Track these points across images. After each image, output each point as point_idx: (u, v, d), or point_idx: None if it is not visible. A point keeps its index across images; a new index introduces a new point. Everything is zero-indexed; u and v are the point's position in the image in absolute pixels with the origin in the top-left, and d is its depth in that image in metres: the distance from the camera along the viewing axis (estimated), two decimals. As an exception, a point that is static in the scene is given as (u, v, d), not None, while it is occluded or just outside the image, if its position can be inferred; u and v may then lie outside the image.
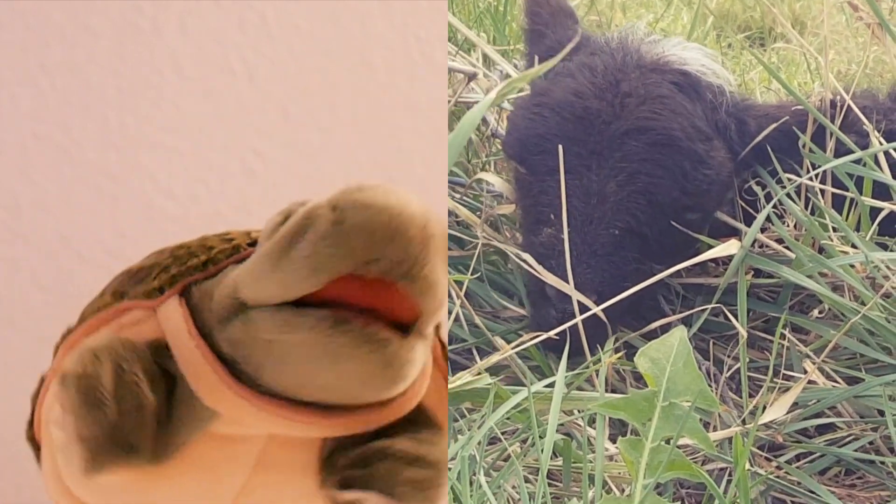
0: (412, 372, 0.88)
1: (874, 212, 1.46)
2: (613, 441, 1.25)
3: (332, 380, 0.85)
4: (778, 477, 1.32)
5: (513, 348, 1.40)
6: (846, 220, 1.47)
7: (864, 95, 1.58)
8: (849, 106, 1.48)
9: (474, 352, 1.51)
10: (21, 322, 1.39)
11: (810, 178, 1.48)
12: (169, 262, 0.97)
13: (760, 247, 1.51)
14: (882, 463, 1.35)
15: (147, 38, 1.32)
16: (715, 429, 1.36)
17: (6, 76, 1.31)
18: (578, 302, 1.37)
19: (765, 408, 1.33)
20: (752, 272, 1.51)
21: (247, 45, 1.34)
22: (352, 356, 0.84)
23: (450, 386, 1.28)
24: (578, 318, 1.37)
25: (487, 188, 1.70)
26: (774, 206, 1.46)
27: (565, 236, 1.39)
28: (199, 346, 0.86)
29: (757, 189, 1.52)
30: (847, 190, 1.46)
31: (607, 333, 1.42)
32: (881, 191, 1.47)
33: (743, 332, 1.39)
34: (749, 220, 1.49)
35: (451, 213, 1.62)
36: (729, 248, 1.43)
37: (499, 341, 1.47)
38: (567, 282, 1.38)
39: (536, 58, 1.65)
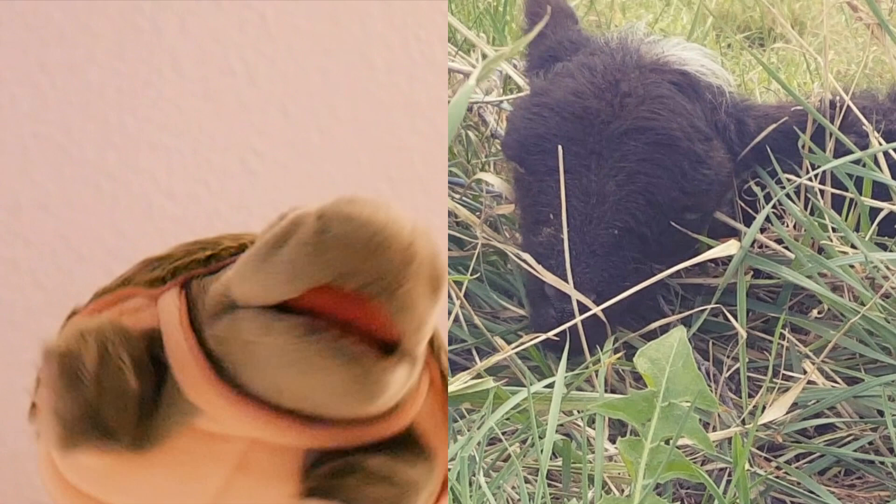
0: (389, 391, 0.86)
1: (874, 212, 1.46)
2: (613, 441, 1.25)
3: (305, 388, 0.85)
4: (777, 477, 1.32)
5: (513, 349, 1.40)
6: (846, 220, 1.47)
7: (863, 96, 1.58)
8: (848, 106, 1.48)
9: (474, 352, 1.51)
10: (21, 322, 1.39)
11: (810, 179, 1.48)
12: (180, 254, 0.98)
13: (760, 247, 1.51)
14: (881, 463, 1.35)
15: (147, 38, 1.32)
16: (714, 429, 1.36)
17: (6, 76, 1.31)
18: (578, 302, 1.37)
19: (764, 408, 1.33)
20: (752, 272, 1.51)
21: (247, 45, 1.34)
22: (322, 367, 0.84)
23: (450, 388, 1.28)
24: (578, 319, 1.37)
25: (487, 188, 1.70)
26: (774, 207, 1.47)
27: (565, 236, 1.39)
28: (187, 339, 0.86)
29: (756, 189, 1.52)
30: (846, 190, 1.46)
31: (607, 333, 1.42)
32: (880, 191, 1.47)
33: (742, 333, 1.39)
34: (748, 221, 1.49)
35: (450, 214, 1.62)
36: (728, 248, 1.43)
37: (498, 342, 1.47)
38: (566, 282, 1.38)
39: (536, 58, 1.65)
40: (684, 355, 1.12)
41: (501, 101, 1.80)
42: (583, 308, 1.37)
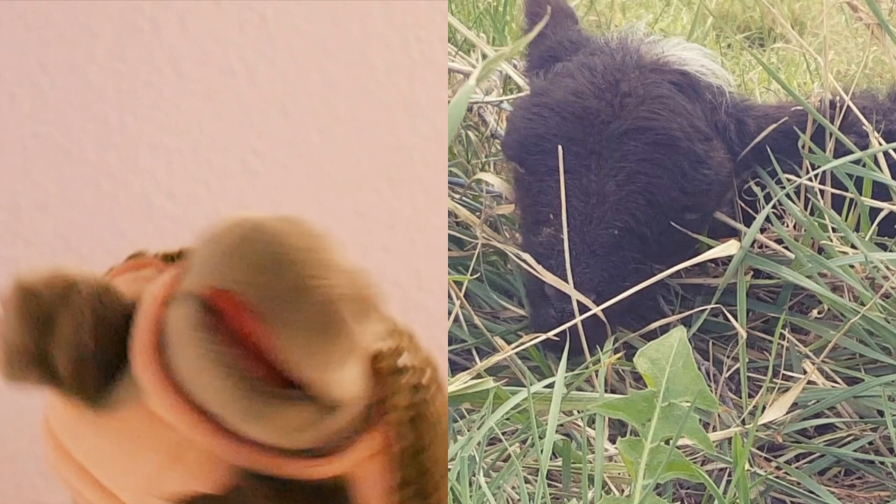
0: (280, 422, 0.83)
1: (873, 212, 1.46)
2: (613, 441, 1.25)
3: (196, 385, 0.84)
4: (777, 477, 1.32)
5: (513, 349, 1.40)
6: (846, 220, 1.48)
7: (863, 96, 1.58)
8: (848, 106, 1.48)
9: (474, 352, 1.51)
10: (21, 322, 1.38)
11: (810, 179, 1.48)
12: None
13: (760, 247, 1.51)
14: (881, 463, 1.35)
15: (147, 38, 1.32)
16: (714, 429, 1.36)
17: (6, 76, 1.31)
18: (578, 302, 1.37)
19: (764, 408, 1.33)
20: (752, 272, 1.51)
21: (247, 45, 1.34)
22: (204, 367, 0.83)
23: (450, 388, 1.28)
24: (578, 319, 1.37)
25: (487, 188, 1.70)
26: (774, 207, 1.47)
27: (565, 236, 1.39)
28: (149, 316, 0.86)
29: (756, 189, 1.52)
30: (846, 190, 1.47)
31: (607, 333, 1.42)
32: (880, 191, 1.47)
33: (742, 333, 1.39)
34: (748, 221, 1.49)
35: (450, 214, 1.62)
36: (728, 248, 1.43)
37: (498, 342, 1.47)
38: (567, 282, 1.38)
39: (536, 58, 1.65)
40: (684, 355, 1.12)
41: (501, 101, 1.81)
42: (583, 308, 1.37)
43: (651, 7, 2.86)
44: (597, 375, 1.33)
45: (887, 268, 1.39)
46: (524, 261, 1.43)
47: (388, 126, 1.37)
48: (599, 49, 1.55)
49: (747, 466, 1.21)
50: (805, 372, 1.38)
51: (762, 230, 1.47)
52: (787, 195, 1.47)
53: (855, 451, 1.36)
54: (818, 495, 1.29)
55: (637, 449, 1.09)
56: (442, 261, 1.38)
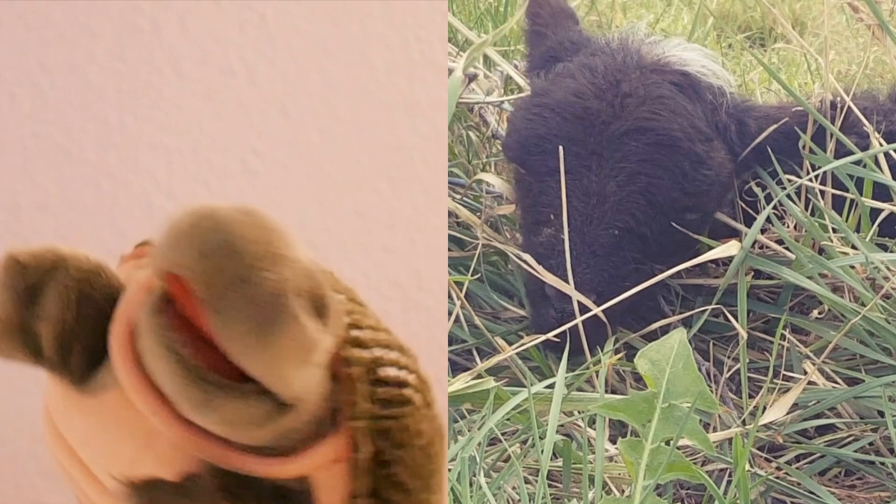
0: (220, 414, 0.82)
1: (874, 213, 1.46)
2: (613, 442, 1.25)
3: (156, 375, 0.84)
4: (778, 478, 1.32)
5: (513, 350, 1.40)
6: (846, 221, 1.48)
7: (864, 96, 1.58)
8: (849, 107, 1.48)
9: (474, 353, 1.51)
10: (21, 322, 1.38)
11: (810, 179, 1.48)
12: None
13: (760, 248, 1.51)
14: (882, 464, 1.35)
15: (147, 38, 1.32)
16: (715, 430, 1.36)
17: (6, 76, 1.31)
18: (578, 302, 1.37)
19: (765, 409, 1.33)
20: (752, 273, 1.51)
21: (247, 45, 1.34)
22: (156, 352, 0.83)
23: (451, 388, 1.28)
24: (579, 319, 1.37)
25: (487, 189, 1.70)
26: (774, 207, 1.47)
27: (565, 236, 1.39)
28: (129, 299, 0.85)
29: (757, 190, 1.52)
30: (847, 191, 1.46)
31: (607, 334, 1.42)
32: (881, 192, 1.47)
33: (743, 333, 1.39)
34: (749, 221, 1.49)
35: (451, 214, 1.62)
36: (729, 249, 1.43)
37: (499, 342, 1.47)
38: (567, 282, 1.38)
39: (537, 59, 1.65)
40: (685, 356, 1.12)
41: (502, 102, 1.81)
42: (583, 308, 1.37)
43: (652, 7, 2.86)
44: (597, 376, 1.33)
45: (888, 268, 1.39)
46: (524, 261, 1.43)
47: (388, 126, 1.37)
48: (600, 49, 1.55)
49: (748, 467, 1.21)
50: (805, 372, 1.38)
51: (763, 231, 1.47)
52: (788, 196, 1.47)
53: (855, 451, 1.36)
54: (818, 496, 1.29)
55: (637, 449, 1.09)
56: (442, 261, 1.37)
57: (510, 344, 1.45)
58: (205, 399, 0.81)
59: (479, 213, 1.65)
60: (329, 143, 1.36)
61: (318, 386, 0.85)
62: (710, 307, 1.46)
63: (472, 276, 1.54)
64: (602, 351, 1.38)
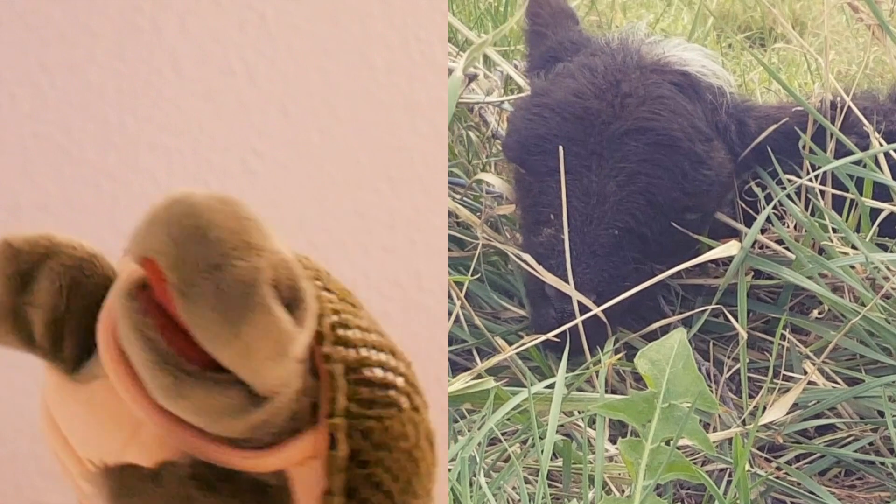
0: (190, 402, 0.82)
1: (874, 213, 1.46)
2: (613, 442, 1.25)
3: (133, 361, 0.83)
4: (778, 478, 1.32)
5: (513, 350, 1.40)
6: (846, 221, 1.48)
7: (864, 96, 1.59)
8: (849, 107, 1.48)
9: (474, 352, 1.51)
10: (21, 322, 1.38)
11: (810, 179, 1.48)
12: None
13: (760, 248, 1.51)
14: (882, 464, 1.35)
15: (147, 38, 1.32)
16: (715, 430, 1.36)
17: (6, 76, 1.31)
18: (578, 302, 1.37)
19: (765, 409, 1.33)
20: (752, 273, 1.51)
21: (247, 45, 1.34)
22: (129, 337, 0.82)
23: (451, 388, 1.28)
24: (579, 319, 1.37)
25: (487, 189, 1.70)
26: (774, 207, 1.47)
27: (565, 236, 1.39)
28: (115, 290, 0.85)
29: (757, 190, 1.52)
30: (847, 191, 1.46)
31: (607, 333, 1.42)
32: (881, 192, 1.47)
33: (743, 333, 1.39)
34: (749, 221, 1.49)
35: (451, 214, 1.62)
36: (729, 249, 1.43)
37: (499, 342, 1.47)
38: (567, 282, 1.38)
39: (537, 59, 1.65)
40: (685, 356, 1.12)
41: (502, 102, 1.81)
42: (583, 308, 1.37)
43: (652, 7, 2.86)
44: (597, 376, 1.33)
45: (888, 268, 1.39)
46: (524, 261, 1.43)
47: (388, 126, 1.37)
48: (600, 49, 1.55)
49: (748, 467, 1.21)
50: (805, 372, 1.38)
51: (763, 231, 1.47)
52: (788, 196, 1.47)
53: (855, 451, 1.36)
54: (818, 496, 1.29)
55: (637, 449, 1.09)
56: (442, 261, 1.37)
57: (510, 344, 1.45)
58: (175, 385, 0.81)
59: (479, 213, 1.65)
60: (329, 143, 1.36)
61: (295, 380, 0.85)
62: (710, 307, 1.46)
63: (472, 276, 1.54)
64: (602, 351, 1.38)
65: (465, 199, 1.71)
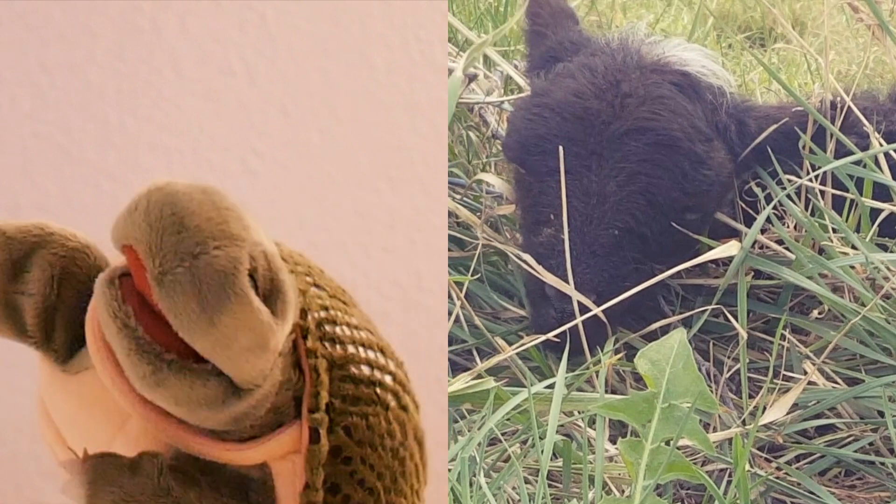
0: (187, 399, 0.82)
1: (874, 213, 1.46)
2: (613, 442, 1.25)
3: (112, 346, 0.83)
4: (778, 478, 1.32)
5: (514, 350, 1.40)
6: (846, 221, 1.48)
7: (864, 97, 1.58)
8: (849, 107, 1.48)
9: (474, 353, 1.51)
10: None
11: (810, 180, 1.48)
12: None
13: (760, 248, 1.51)
14: (882, 464, 1.35)
15: (147, 38, 1.32)
16: (715, 430, 1.36)
17: (6, 76, 1.31)
18: (578, 302, 1.37)
19: (765, 409, 1.33)
20: (753, 273, 1.51)
21: (247, 45, 1.34)
22: (108, 324, 0.82)
23: (451, 388, 1.28)
24: (579, 319, 1.37)
25: (487, 189, 1.70)
26: (774, 208, 1.47)
27: (565, 236, 1.39)
28: (102, 281, 0.85)
29: (757, 190, 1.52)
30: (847, 191, 1.46)
31: (607, 334, 1.42)
32: (881, 192, 1.47)
33: (743, 333, 1.39)
34: (749, 222, 1.49)
35: (451, 214, 1.62)
36: (729, 249, 1.43)
37: (499, 342, 1.47)
38: (567, 282, 1.38)
39: (537, 59, 1.65)
40: (685, 357, 1.12)
41: (503, 102, 1.81)
42: (583, 308, 1.37)
43: (652, 7, 2.86)
44: (597, 376, 1.33)
45: (888, 269, 1.39)
46: (524, 261, 1.43)
47: (388, 126, 1.37)
48: (600, 49, 1.55)
49: (748, 467, 1.21)
50: (805, 372, 1.38)
51: (763, 231, 1.47)
52: (788, 196, 1.47)
53: (855, 451, 1.36)
54: (818, 496, 1.29)
55: (637, 449, 1.09)
56: (442, 261, 1.37)
57: (510, 344, 1.45)
58: (153, 374, 0.81)
59: (479, 214, 1.65)
60: (329, 143, 1.36)
61: (275, 373, 0.84)
62: (710, 307, 1.46)
63: (472, 276, 1.54)
64: (602, 351, 1.38)
65: (465, 199, 1.71)
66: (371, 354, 0.94)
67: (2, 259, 0.88)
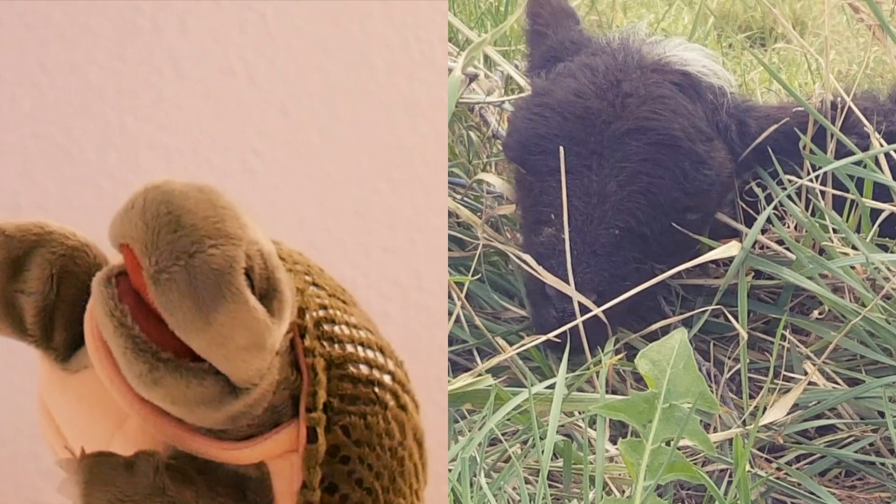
0: (184, 398, 0.82)
1: (874, 213, 1.46)
2: (614, 442, 1.25)
3: (109, 345, 0.83)
4: (778, 478, 1.32)
5: (514, 350, 1.40)
6: (847, 221, 1.47)
7: (864, 97, 1.58)
8: (849, 107, 1.48)
9: (475, 353, 1.50)
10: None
11: (811, 180, 1.48)
12: None
13: (761, 248, 1.51)
14: (882, 464, 1.35)
15: (147, 38, 1.32)
16: (715, 430, 1.35)
17: (6, 76, 1.31)
18: (579, 302, 1.37)
19: (765, 409, 1.33)
20: (753, 273, 1.51)
21: (247, 45, 1.34)
22: (104, 322, 0.82)
23: (451, 387, 1.28)
24: (579, 319, 1.37)
25: (488, 189, 1.70)
26: (775, 208, 1.46)
27: (566, 236, 1.39)
28: (100, 281, 0.85)
29: (757, 190, 1.52)
30: (847, 191, 1.46)
31: (608, 334, 1.42)
32: (881, 192, 1.47)
33: (743, 334, 1.39)
34: (750, 222, 1.49)
35: (451, 214, 1.62)
36: (729, 249, 1.43)
37: (500, 342, 1.47)
38: (567, 282, 1.38)
39: (538, 59, 1.65)
40: (685, 357, 1.12)
41: (503, 102, 1.80)
42: (584, 308, 1.37)
43: (652, 7, 2.86)
44: (598, 376, 1.33)
45: (888, 269, 1.39)
46: (525, 261, 1.43)
47: (388, 126, 1.37)
48: (601, 49, 1.55)
49: (748, 467, 1.21)
50: (806, 373, 1.38)
51: (763, 231, 1.47)
52: (788, 196, 1.47)
53: (856, 452, 1.36)
54: (819, 496, 1.29)
55: (638, 450, 1.09)
56: (442, 261, 1.37)
57: (511, 344, 1.45)
58: (149, 372, 0.81)
59: (479, 213, 1.65)
60: (329, 143, 1.36)
61: (272, 372, 0.84)
62: (710, 307, 1.46)
63: (472, 276, 1.53)
64: (602, 351, 1.37)
65: (465, 199, 1.71)
66: (370, 354, 0.94)
67: (1, 257, 0.88)
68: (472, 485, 1.14)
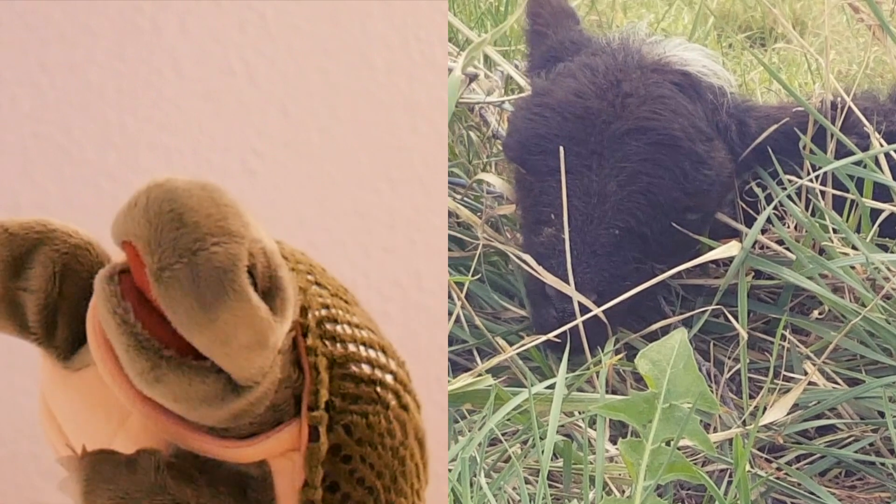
0: (186, 396, 0.81)
1: (875, 213, 1.46)
2: (614, 442, 1.25)
3: (111, 342, 0.83)
4: (778, 478, 1.32)
5: (514, 350, 1.40)
6: (847, 221, 1.47)
7: (864, 97, 1.58)
8: (849, 107, 1.48)
9: (475, 353, 1.50)
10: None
11: (811, 180, 1.48)
12: None
13: (761, 248, 1.51)
14: (882, 464, 1.35)
15: (147, 38, 1.32)
16: (715, 430, 1.35)
17: (6, 76, 1.31)
18: (579, 302, 1.37)
19: (765, 409, 1.33)
20: (753, 273, 1.51)
21: (247, 45, 1.34)
22: (105, 318, 0.82)
23: (451, 387, 1.28)
24: (579, 319, 1.37)
25: (488, 189, 1.70)
26: (775, 208, 1.46)
27: (566, 236, 1.39)
28: (101, 278, 0.85)
29: (757, 190, 1.52)
30: (847, 191, 1.46)
31: (608, 334, 1.42)
32: (882, 192, 1.47)
33: (743, 334, 1.39)
34: (750, 222, 1.49)
35: (451, 214, 1.62)
36: (729, 249, 1.43)
37: (500, 342, 1.47)
38: (567, 282, 1.38)
39: (538, 59, 1.65)
40: (685, 357, 1.12)
41: (503, 102, 1.80)
42: (584, 308, 1.37)
43: (652, 7, 2.86)
44: (598, 376, 1.33)
45: (888, 269, 1.39)
46: (525, 261, 1.43)
47: (388, 126, 1.37)
48: (601, 49, 1.55)
49: (748, 467, 1.21)
50: (806, 373, 1.38)
51: (763, 231, 1.47)
52: (789, 196, 1.47)
53: (856, 452, 1.36)
54: (819, 496, 1.29)
55: (638, 450, 1.09)
56: (442, 261, 1.37)
57: (511, 344, 1.45)
58: (152, 370, 0.81)
59: (479, 214, 1.65)
60: (329, 143, 1.36)
61: (275, 370, 0.84)
62: (710, 307, 1.46)
63: (472, 276, 1.53)
64: (602, 351, 1.38)
65: (465, 199, 1.71)
66: (372, 353, 0.94)
67: (4, 255, 0.88)
68: (472, 485, 1.14)
